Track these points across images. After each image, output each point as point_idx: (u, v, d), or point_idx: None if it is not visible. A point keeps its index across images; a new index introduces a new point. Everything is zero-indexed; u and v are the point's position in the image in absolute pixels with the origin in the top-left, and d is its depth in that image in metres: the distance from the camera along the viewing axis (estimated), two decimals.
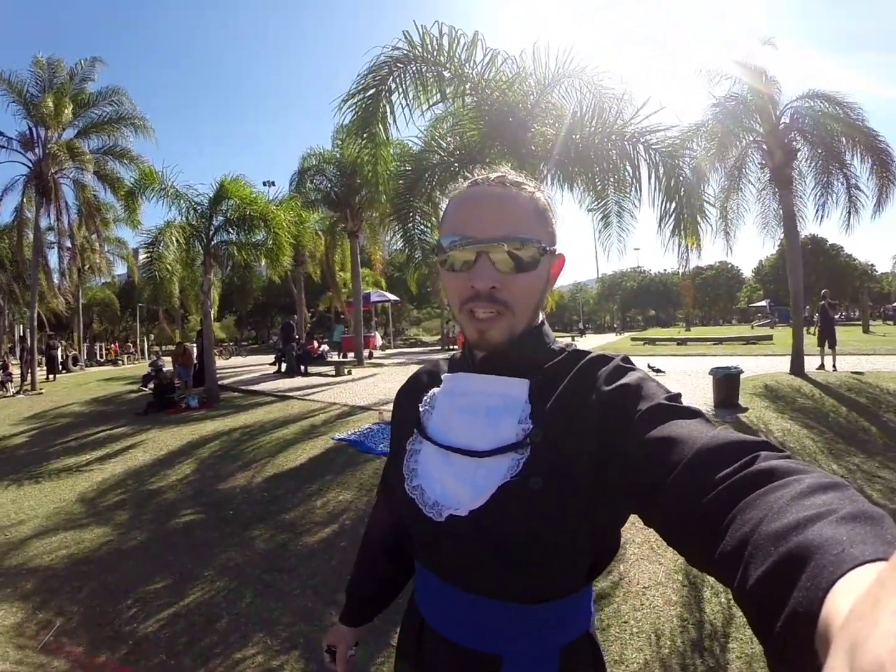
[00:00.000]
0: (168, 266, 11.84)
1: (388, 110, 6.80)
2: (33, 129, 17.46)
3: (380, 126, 6.82)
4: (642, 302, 71.41)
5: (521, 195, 0.92)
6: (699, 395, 8.85)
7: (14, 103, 16.89)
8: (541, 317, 1.00)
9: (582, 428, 0.84)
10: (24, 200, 18.54)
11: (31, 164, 17.76)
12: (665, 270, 71.24)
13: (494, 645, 0.91)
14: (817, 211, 11.85)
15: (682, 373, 11.92)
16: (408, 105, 6.83)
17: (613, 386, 0.85)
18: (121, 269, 32.53)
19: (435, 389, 1.06)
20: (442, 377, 1.07)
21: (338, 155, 17.64)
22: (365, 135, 6.93)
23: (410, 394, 1.13)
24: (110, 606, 4.34)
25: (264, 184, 19.97)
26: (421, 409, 1.05)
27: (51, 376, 20.84)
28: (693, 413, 0.75)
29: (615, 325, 56.59)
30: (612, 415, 0.81)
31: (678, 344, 22.89)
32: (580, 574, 0.93)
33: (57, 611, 4.37)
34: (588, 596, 0.98)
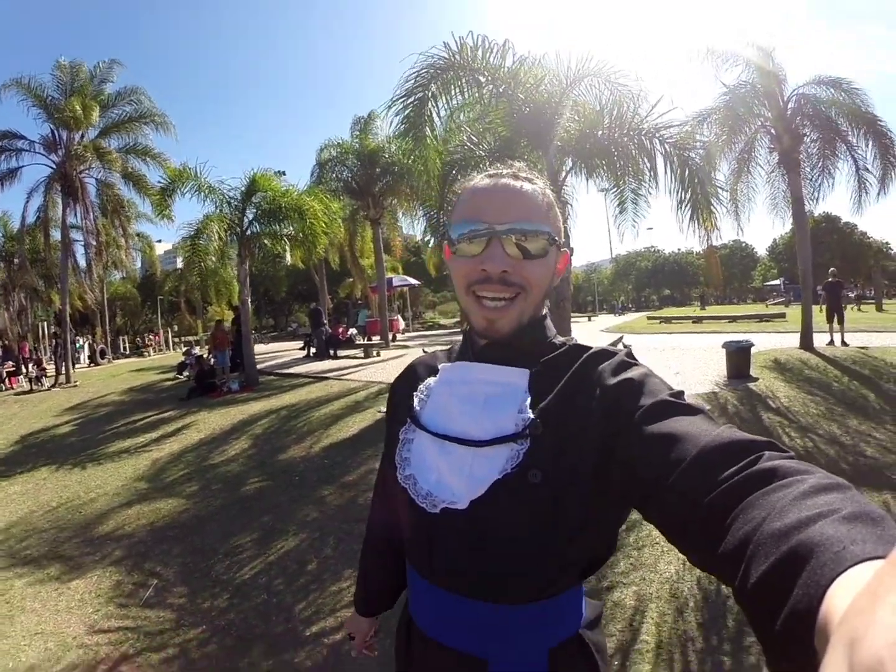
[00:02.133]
0: (212, 257, 12.51)
1: (434, 113, 7.32)
2: (55, 132, 17.89)
3: (427, 129, 7.31)
4: (657, 282, 70.47)
5: (533, 188, 0.94)
6: (713, 368, 9.40)
7: (35, 107, 17.32)
8: (545, 309, 1.02)
9: (583, 421, 0.84)
10: (48, 201, 18.93)
11: (54, 166, 18.20)
12: (679, 250, 70.33)
13: (479, 647, 0.90)
14: (814, 192, 12.29)
15: (699, 348, 12.46)
16: (446, 106, 7.37)
17: (617, 381, 0.85)
18: (137, 262, 33.24)
19: (431, 379, 1.06)
20: (439, 367, 1.06)
21: (356, 145, 18.09)
22: (411, 135, 7.40)
23: (405, 384, 1.13)
24: (203, 563, 4.73)
25: (275, 173, 20.53)
26: (416, 398, 1.05)
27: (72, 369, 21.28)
28: (696, 410, 0.76)
29: (615, 306, 54.52)
30: (615, 410, 0.81)
31: (693, 322, 23.30)
32: (573, 573, 0.92)
33: (150, 572, 4.73)
34: (579, 595, 0.97)
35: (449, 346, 1.15)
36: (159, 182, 14.25)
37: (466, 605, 0.90)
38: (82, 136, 18.23)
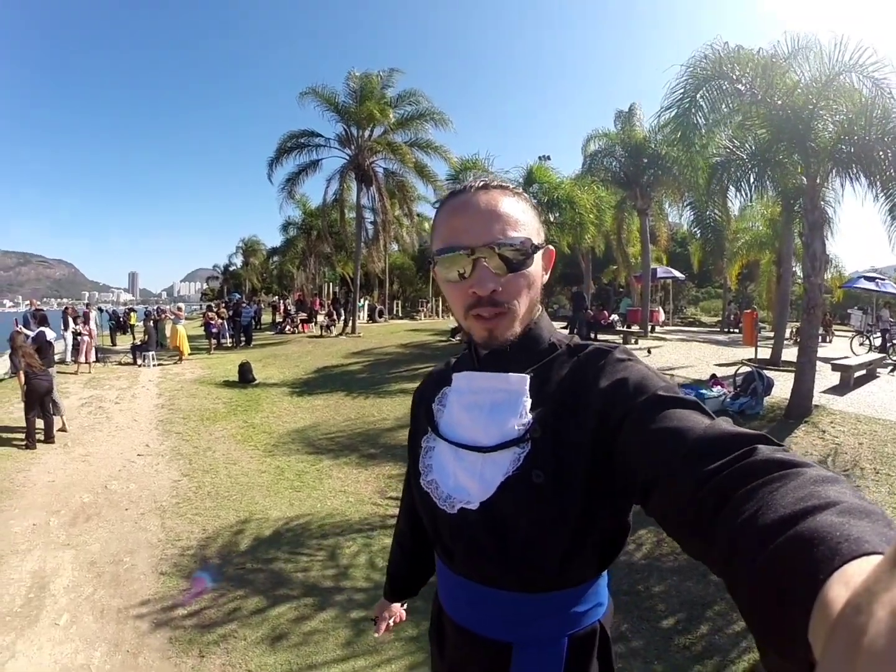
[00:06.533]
0: None
1: (700, 122, 7.84)
2: (347, 130, 21.24)
3: (695, 137, 7.93)
4: None
5: (505, 197, 0.94)
6: None
7: (328, 111, 20.75)
8: (539, 309, 1.02)
9: (580, 421, 0.87)
10: (343, 186, 22.13)
11: (347, 157, 21.63)
12: None
13: (504, 632, 0.95)
14: None
15: None
16: (710, 114, 7.81)
17: (611, 379, 0.87)
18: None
19: (446, 388, 1.09)
20: (452, 376, 1.09)
21: (624, 137, 18.36)
22: (681, 142, 8.09)
23: (425, 393, 1.17)
24: None
25: (540, 158, 19.44)
26: (434, 407, 1.09)
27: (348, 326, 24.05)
28: (690, 404, 0.76)
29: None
30: (611, 408, 0.83)
31: None
32: (587, 565, 0.95)
33: None
34: (600, 586, 1.00)
35: (457, 357, 1.17)
36: (448, 173, 16.55)
37: (489, 594, 0.96)
38: (371, 133, 21.32)
